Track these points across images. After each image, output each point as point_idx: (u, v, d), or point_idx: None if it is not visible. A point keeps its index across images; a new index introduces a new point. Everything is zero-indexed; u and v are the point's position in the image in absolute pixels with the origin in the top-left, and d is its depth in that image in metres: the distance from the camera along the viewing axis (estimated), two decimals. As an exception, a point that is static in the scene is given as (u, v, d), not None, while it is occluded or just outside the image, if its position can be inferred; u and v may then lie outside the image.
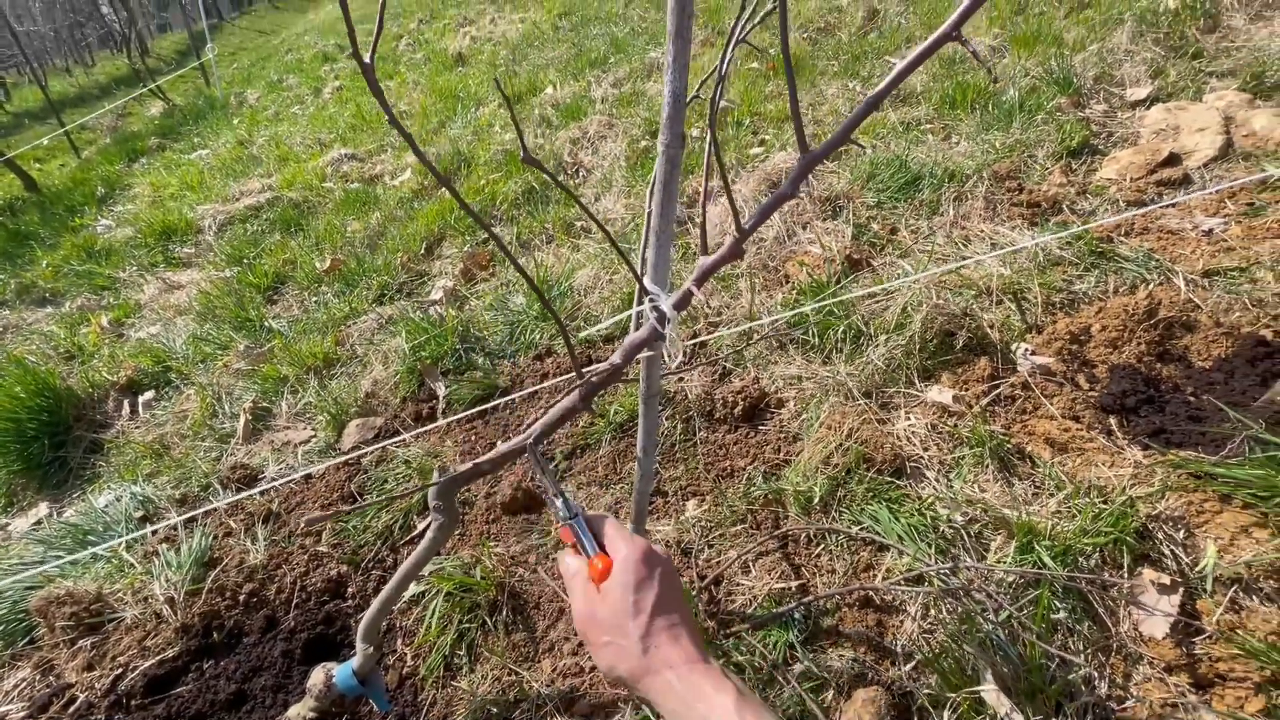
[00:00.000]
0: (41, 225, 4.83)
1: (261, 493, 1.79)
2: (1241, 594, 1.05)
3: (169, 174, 5.14)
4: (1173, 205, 1.98)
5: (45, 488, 2.12)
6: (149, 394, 2.36)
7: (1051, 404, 1.41)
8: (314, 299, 2.77)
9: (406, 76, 6.31)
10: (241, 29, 18.47)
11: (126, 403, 2.34)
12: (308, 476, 1.85)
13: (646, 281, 0.88)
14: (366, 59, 0.57)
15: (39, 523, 1.97)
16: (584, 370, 0.91)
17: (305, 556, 1.55)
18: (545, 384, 1.90)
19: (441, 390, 2.02)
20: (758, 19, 0.89)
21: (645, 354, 0.92)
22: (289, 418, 2.10)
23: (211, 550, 1.61)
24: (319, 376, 2.22)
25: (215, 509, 1.75)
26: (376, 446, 1.82)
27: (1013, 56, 3.16)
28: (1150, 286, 1.68)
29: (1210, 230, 1.87)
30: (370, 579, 1.50)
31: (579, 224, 2.85)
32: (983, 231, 2.07)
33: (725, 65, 0.74)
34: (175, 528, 1.71)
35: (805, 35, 4.22)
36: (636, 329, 0.88)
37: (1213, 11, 2.92)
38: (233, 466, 1.91)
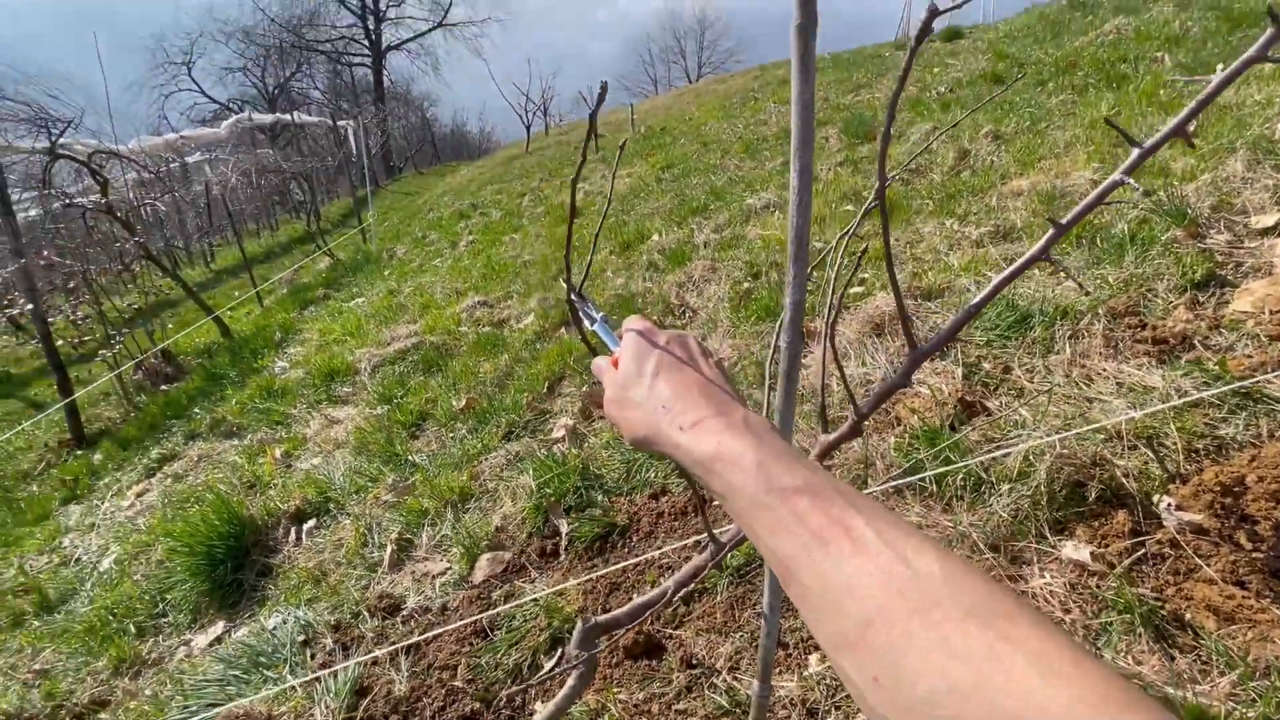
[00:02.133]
0: (231, 366, 5.76)
1: (404, 623, 1.96)
2: None
3: (332, 321, 6.03)
4: (1325, 341, 1.86)
5: (224, 607, 2.41)
6: (311, 522, 2.68)
7: (1209, 566, 1.31)
8: (451, 435, 3.09)
9: (529, 230, 7.18)
10: (392, 193, 21.89)
11: (293, 530, 2.66)
12: (443, 608, 2.00)
13: (771, 453, 0.99)
14: (575, 291, 0.76)
15: (217, 639, 2.23)
16: (715, 533, 1.01)
17: (443, 691, 1.66)
18: (665, 545, 1.99)
19: (564, 528, 2.16)
20: (857, 220, 1.05)
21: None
22: (428, 549, 2.31)
23: (361, 679, 1.76)
24: (454, 510, 2.45)
25: (364, 639, 1.93)
26: (510, 602, 1.94)
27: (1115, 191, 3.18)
28: (1312, 432, 1.56)
29: (1376, 368, 1.73)
30: (500, 717, 1.57)
31: (687, 363, 3.05)
32: (1105, 370, 2.03)
33: (835, 294, 0.89)
34: (331, 654, 1.89)
35: (898, 178, 4.46)
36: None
37: (1338, 135, 2.83)
38: (379, 595, 2.11)
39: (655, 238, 5.09)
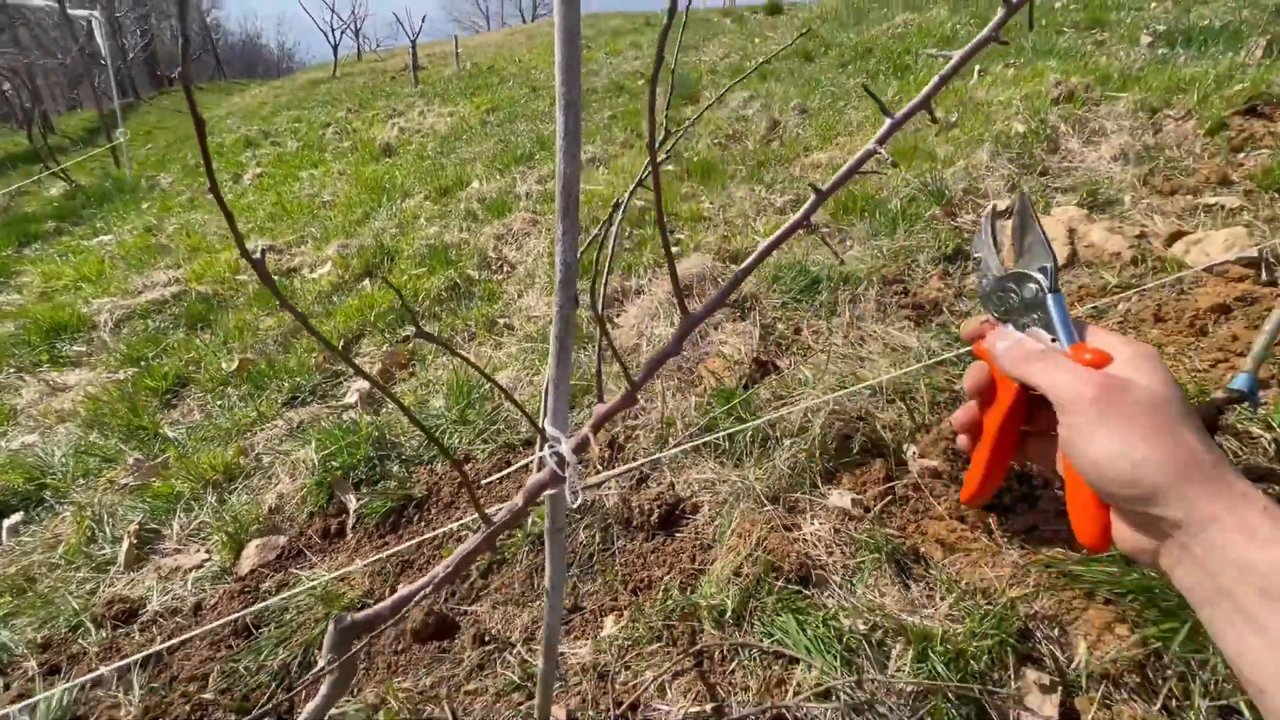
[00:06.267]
0: (-95, 318, 4.40)
1: (141, 630, 1.64)
2: (1111, 689, 1.14)
3: (64, 263, 4.85)
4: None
5: (-125, 636, 1.84)
6: (16, 517, 2.14)
7: (939, 504, 1.52)
8: (219, 403, 2.63)
9: (332, 166, 6.34)
10: (160, 108, 18.12)
11: (-12, 528, 2.10)
12: (197, 608, 1.71)
13: (547, 425, 0.92)
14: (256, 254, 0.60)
15: None
16: (487, 513, 0.92)
17: (188, 706, 1.41)
18: (466, 516, 1.87)
19: (352, 504, 1.94)
20: (665, 155, 0.99)
21: (548, 492, 0.95)
22: (180, 539, 1.95)
23: (75, 706, 1.44)
24: (218, 491, 2.09)
25: (86, 656, 1.58)
26: (285, 595, 1.71)
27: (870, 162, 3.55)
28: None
29: (1065, 332, 2.11)
30: (262, 727, 1.38)
31: (501, 321, 2.90)
32: (875, 332, 2.26)
33: (622, 212, 0.82)
34: (33, 680, 1.52)
35: (716, 142, 4.59)
36: (539, 469, 0.92)
37: (1053, 136, 3.41)
38: (110, 600, 1.74)
39: (475, 185, 4.76)
